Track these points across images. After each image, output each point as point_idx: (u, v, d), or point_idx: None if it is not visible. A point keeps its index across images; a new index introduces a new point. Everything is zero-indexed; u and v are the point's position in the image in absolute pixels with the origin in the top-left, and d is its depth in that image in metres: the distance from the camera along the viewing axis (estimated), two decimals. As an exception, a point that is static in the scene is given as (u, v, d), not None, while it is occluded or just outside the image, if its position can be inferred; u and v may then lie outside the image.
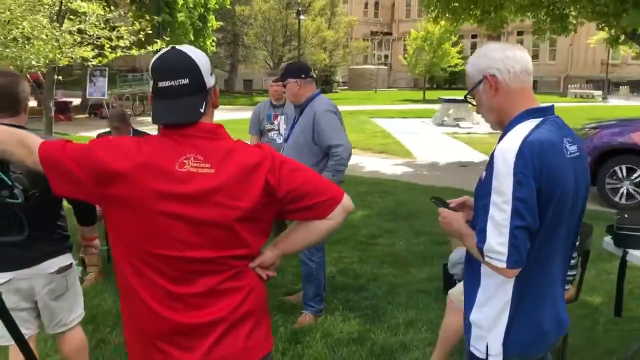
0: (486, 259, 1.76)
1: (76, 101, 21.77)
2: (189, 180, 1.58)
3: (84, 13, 9.84)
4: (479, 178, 1.89)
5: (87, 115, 20.71)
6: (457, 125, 18.05)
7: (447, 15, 11.88)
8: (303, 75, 4.07)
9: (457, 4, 11.27)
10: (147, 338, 1.66)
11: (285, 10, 28.96)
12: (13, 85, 2.46)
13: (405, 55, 35.40)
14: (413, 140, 14.70)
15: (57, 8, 9.28)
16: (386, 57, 48.07)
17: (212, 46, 25.38)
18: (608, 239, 3.47)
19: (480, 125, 18.08)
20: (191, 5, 22.92)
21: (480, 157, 12.19)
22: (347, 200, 1.75)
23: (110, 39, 9.21)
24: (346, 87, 39.40)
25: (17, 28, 8.84)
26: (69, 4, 9.31)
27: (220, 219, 1.59)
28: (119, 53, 9.49)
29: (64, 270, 2.68)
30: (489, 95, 1.89)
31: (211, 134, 1.65)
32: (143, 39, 9.91)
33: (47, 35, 8.63)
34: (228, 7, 26.62)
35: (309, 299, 4.16)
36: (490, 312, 1.87)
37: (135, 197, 1.57)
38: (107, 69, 20.11)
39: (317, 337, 3.83)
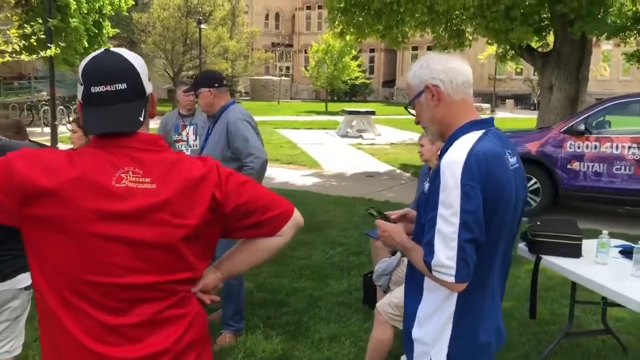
0: (434, 273, 1.72)
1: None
2: (127, 196, 1.40)
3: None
4: (420, 190, 1.86)
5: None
6: (361, 137, 18.43)
7: (351, 30, 12.09)
8: (217, 84, 3.93)
9: (361, 19, 11.51)
10: None
11: (185, 19, 28.26)
12: None
13: (307, 68, 35.83)
14: (319, 151, 14.81)
15: None
16: (287, 68, 48.37)
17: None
18: (522, 245, 3.61)
19: (382, 137, 18.63)
20: (85, 11, 21.77)
21: (385, 167, 12.50)
22: (297, 215, 1.65)
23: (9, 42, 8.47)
24: (249, 98, 39.16)
25: None
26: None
27: (163, 239, 1.43)
28: (7, 57, 8.75)
29: (30, 287, 2.54)
30: (430, 106, 1.87)
31: (151, 145, 1.49)
32: (35, 43, 9.21)
33: None
34: (125, 13, 25.56)
35: (228, 318, 3.99)
36: (433, 327, 1.84)
37: (65, 218, 1.37)
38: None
39: (239, 358, 3.68)
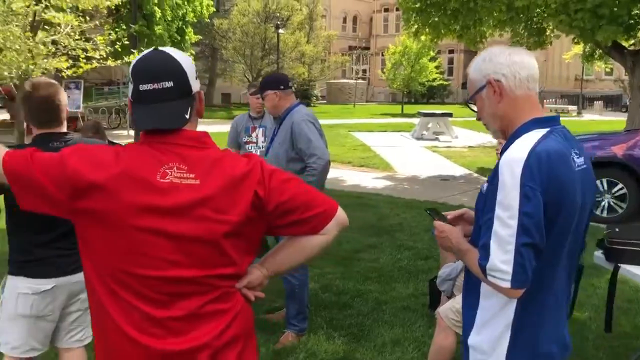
0: (489, 277, 1.64)
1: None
2: (171, 192, 1.43)
3: (59, 24, 9.63)
4: (479, 190, 1.78)
5: (61, 129, 20.29)
6: (437, 139, 18.09)
7: (427, 30, 11.89)
8: (282, 87, 3.96)
9: (437, 19, 11.29)
10: None
11: (264, 24, 28.90)
12: (53, 95, 2.50)
13: (384, 70, 35.61)
14: (393, 154, 14.65)
15: (30, 19, 9.07)
16: (364, 71, 48.34)
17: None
18: (599, 253, 3.39)
19: (459, 139, 18.17)
20: (169, 18, 22.75)
21: (461, 171, 12.18)
22: (341, 214, 1.61)
23: (85, 50, 8.99)
24: (325, 101, 39.43)
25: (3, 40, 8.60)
26: (42, 15, 9.09)
27: (206, 235, 1.45)
28: (94, 64, 9.28)
29: None
30: (493, 102, 1.78)
31: (196, 142, 1.51)
32: (120, 49, 9.71)
33: (19, 46, 8.40)
34: (207, 20, 26.48)
35: (291, 317, 4.00)
36: (491, 335, 1.74)
37: (111, 211, 1.42)
38: (82, 81, 19.76)
39: (301, 358, 3.67)
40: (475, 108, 1.86)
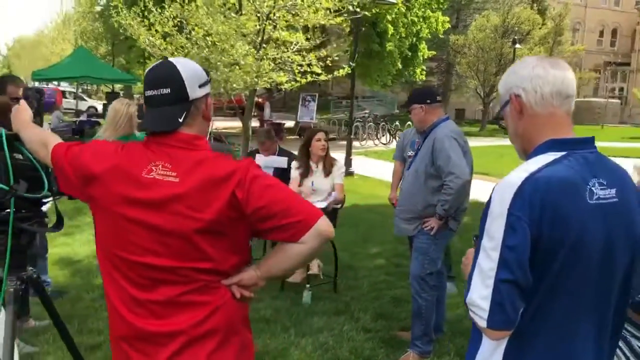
0: (470, 312, 1.47)
1: (289, 124, 23.63)
2: (152, 187, 1.59)
3: (288, 42, 10.69)
4: None
5: (297, 137, 22.33)
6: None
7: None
8: (428, 101, 3.89)
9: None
10: (113, 337, 1.72)
11: (501, 39, 27.89)
12: None
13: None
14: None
15: (259, 38, 10.25)
16: (621, 89, 43.29)
17: (422, 74, 25.51)
18: None
19: None
20: (403, 35, 23.41)
21: None
22: (323, 225, 1.60)
23: (300, 65, 9.86)
24: (568, 121, 36.28)
25: (229, 55, 9.95)
26: (270, 34, 10.20)
27: (177, 228, 1.58)
28: (309, 78, 10.09)
29: None
30: (514, 119, 1.60)
31: (186, 144, 1.65)
32: (330, 64, 10.43)
33: (248, 63, 9.56)
34: (441, 36, 26.56)
35: (415, 338, 3.90)
36: None
37: (104, 199, 1.64)
38: (317, 94, 21.50)
39: (412, 380, 3.56)
40: (505, 125, 1.68)
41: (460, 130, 3.94)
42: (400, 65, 23.13)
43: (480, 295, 1.42)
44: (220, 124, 21.27)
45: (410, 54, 23.68)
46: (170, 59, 1.73)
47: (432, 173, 3.80)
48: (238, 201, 1.58)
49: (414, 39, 24.12)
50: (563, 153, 1.47)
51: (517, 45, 25.88)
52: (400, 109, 31.06)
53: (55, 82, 27.73)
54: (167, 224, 1.58)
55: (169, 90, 1.65)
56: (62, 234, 6.11)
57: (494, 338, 1.46)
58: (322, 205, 4.86)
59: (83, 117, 19.30)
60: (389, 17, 21.61)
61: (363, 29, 22.89)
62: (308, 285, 4.85)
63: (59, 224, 2.11)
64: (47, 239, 4.64)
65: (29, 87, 2.14)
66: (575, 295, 1.45)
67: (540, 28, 29.69)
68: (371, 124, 21.54)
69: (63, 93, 30.69)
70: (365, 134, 21.16)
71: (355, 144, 19.80)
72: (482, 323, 1.43)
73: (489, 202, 1.48)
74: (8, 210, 1.94)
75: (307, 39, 10.77)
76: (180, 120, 1.65)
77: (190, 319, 1.62)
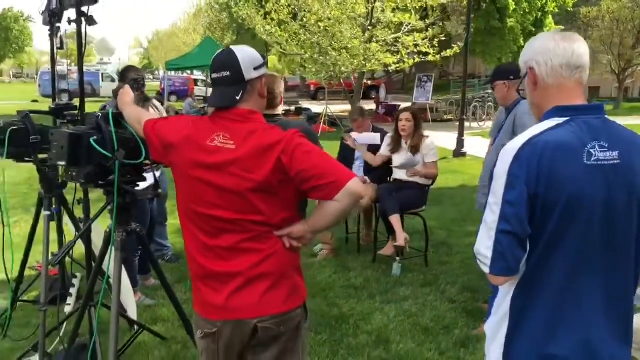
0: (477, 261, 1.65)
1: (404, 105, 23.54)
2: (214, 153, 1.94)
3: (400, 23, 10.80)
4: None
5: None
6: None
7: None
8: (512, 77, 3.93)
9: None
10: (192, 277, 2.10)
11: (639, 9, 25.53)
12: (271, 84, 3.10)
13: None
14: None
15: (368, 22, 10.48)
16: None
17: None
18: None
19: None
20: (526, 10, 22.36)
21: None
22: (353, 185, 1.84)
23: (407, 47, 9.95)
24: None
25: (338, 40, 10.30)
26: (378, 16, 10.38)
27: (235, 187, 1.91)
28: (416, 59, 10.16)
29: None
30: (530, 90, 1.74)
31: (241, 118, 1.97)
32: (436, 45, 10.37)
33: (355, 47, 9.85)
34: (570, 9, 24.94)
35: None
36: (493, 322, 1.74)
37: (180, 163, 2.01)
38: (432, 75, 21.21)
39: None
40: (525, 96, 1.81)
41: None
42: (522, 42, 22.10)
43: (485, 245, 1.60)
44: (337, 108, 21.79)
45: (534, 29, 22.54)
46: (231, 46, 2.05)
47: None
48: (283, 165, 1.87)
49: (539, 14, 22.94)
50: (566, 119, 1.59)
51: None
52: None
53: (188, 71, 29.88)
54: (226, 184, 1.92)
55: (229, 73, 1.98)
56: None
57: (497, 283, 1.64)
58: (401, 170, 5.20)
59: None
60: (510, -7, 20.79)
61: (484, 5, 22.23)
62: (398, 258, 5.07)
63: (155, 190, 2.54)
64: (168, 209, 5.26)
65: (133, 77, 2.57)
66: (577, 251, 1.57)
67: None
68: (490, 104, 20.88)
69: (195, 81, 33.04)
70: (485, 115, 20.57)
71: (474, 124, 19.37)
72: (486, 270, 1.61)
73: (495, 164, 1.64)
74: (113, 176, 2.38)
75: (422, 19, 10.81)
76: (237, 98, 1.97)
77: (247, 262, 1.95)
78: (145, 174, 2.59)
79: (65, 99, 2.45)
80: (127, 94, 2.48)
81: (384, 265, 5.21)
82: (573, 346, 1.63)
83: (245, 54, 2.01)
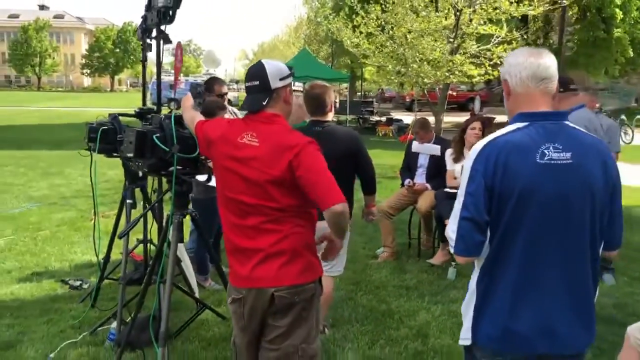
0: (449, 242, 1.92)
1: (501, 118, 22.96)
2: (243, 148, 2.33)
3: (489, 35, 10.82)
4: None
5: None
6: None
7: None
8: (561, 89, 4.03)
9: None
10: (227, 252, 2.50)
11: None
12: (322, 94, 3.57)
13: None
14: None
15: (453, 34, 10.57)
16: None
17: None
18: None
19: None
20: (638, 19, 21.11)
21: None
22: (336, 208, 2.19)
23: (490, 59, 9.94)
24: None
25: (420, 53, 10.49)
26: (463, 28, 10.45)
27: (256, 179, 2.29)
28: (497, 71, 10.14)
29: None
30: (505, 99, 1.99)
31: (267, 120, 2.35)
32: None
33: (437, 56, 9.99)
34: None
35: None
36: (465, 300, 1.98)
37: (217, 156, 2.43)
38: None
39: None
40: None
41: (594, 119, 3.99)
42: (631, 54, 20.91)
43: (451, 229, 1.88)
44: (430, 119, 21.71)
45: (644, 39, 21.22)
46: (262, 60, 2.44)
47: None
48: (292, 165, 2.24)
49: (651, 23, 21.54)
50: (526, 123, 1.84)
51: None
52: (638, 102, 27.84)
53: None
54: (250, 175, 2.31)
55: (258, 82, 2.37)
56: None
57: (461, 262, 1.89)
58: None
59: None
60: (617, 1, 19.77)
61: (589, 15, 21.31)
62: (454, 263, 5.22)
63: (208, 179, 2.99)
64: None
65: (195, 84, 3.00)
66: (533, 239, 1.80)
67: None
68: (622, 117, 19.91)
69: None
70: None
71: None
72: (452, 250, 1.88)
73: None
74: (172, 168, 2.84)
75: (518, 29, 10.74)
76: (264, 104, 2.35)
77: (268, 241, 2.33)
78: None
79: (173, 106, 2.90)
80: (188, 99, 2.94)
81: (440, 269, 5.38)
82: (533, 325, 1.84)
83: (272, 66, 2.38)
